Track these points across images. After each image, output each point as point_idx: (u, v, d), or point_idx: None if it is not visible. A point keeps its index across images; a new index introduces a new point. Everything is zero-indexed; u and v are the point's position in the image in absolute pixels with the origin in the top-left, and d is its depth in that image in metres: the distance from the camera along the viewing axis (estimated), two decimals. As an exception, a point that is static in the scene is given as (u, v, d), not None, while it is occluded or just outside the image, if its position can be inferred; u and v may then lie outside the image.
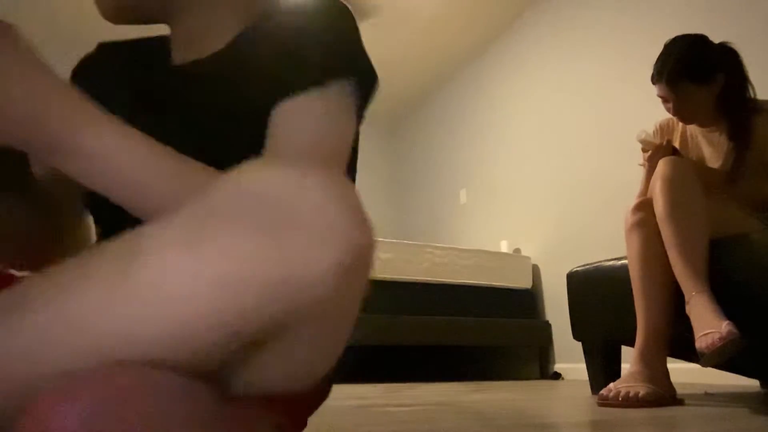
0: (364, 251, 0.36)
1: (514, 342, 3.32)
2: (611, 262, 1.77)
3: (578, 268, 1.90)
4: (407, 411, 1.30)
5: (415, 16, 3.79)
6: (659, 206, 1.46)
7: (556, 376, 3.24)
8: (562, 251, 3.30)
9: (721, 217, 1.48)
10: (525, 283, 3.43)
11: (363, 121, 0.60)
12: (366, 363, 3.04)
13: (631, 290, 1.52)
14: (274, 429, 0.46)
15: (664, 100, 1.65)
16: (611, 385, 1.43)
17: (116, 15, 0.60)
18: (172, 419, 0.31)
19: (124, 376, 0.31)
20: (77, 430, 0.28)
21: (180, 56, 0.63)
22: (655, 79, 1.64)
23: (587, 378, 1.85)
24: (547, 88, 3.56)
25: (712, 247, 1.42)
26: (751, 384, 2.07)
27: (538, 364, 3.33)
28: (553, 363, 3.33)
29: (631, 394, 1.36)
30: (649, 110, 2.14)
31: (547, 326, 3.36)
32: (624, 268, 1.60)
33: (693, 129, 1.73)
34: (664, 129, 1.79)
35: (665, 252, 1.44)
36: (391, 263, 3.06)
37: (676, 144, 1.73)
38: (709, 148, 1.69)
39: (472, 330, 3.15)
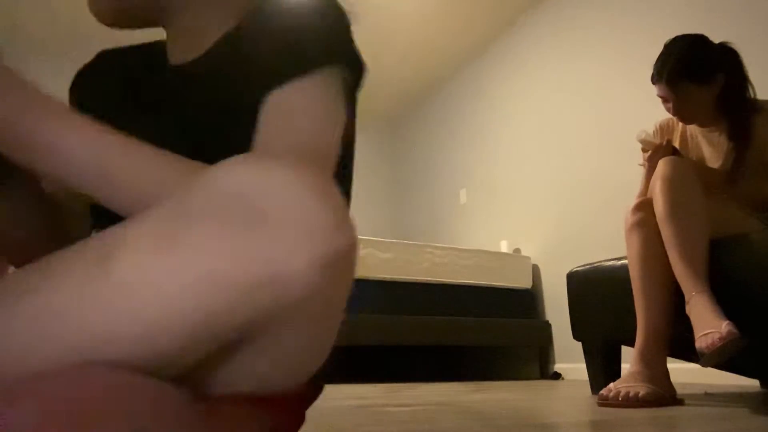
0: (344, 251, 0.35)
1: (514, 342, 3.32)
2: (611, 262, 1.77)
3: (578, 268, 1.90)
4: (407, 411, 1.30)
5: (416, 15, 3.78)
6: (659, 206, 1.46)
7: (556, 376, 3.24)
8: (562, 251, 3.30)
9: (721, 217, 1.48)
10: (525, 283, 3.43)
11: (355, 109, 0.60)
12: (366, 363, 3.04)
13: (631, 290, 1.52)
14: (266, 427, 0.46)
15: (664, 100, 1.65)
16: (611, 385, 1.43)
17: (112, 19, 0.60)
18: (134, 419, 0.31)
19: (80, 379, 0.31)
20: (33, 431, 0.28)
21: (176, 57, 0.63)
22: (655, 79, 1.64)
23: (587, 378, 1.85)
24: (547, 88, 3.57)
25: (712, 247, 1.42)
26: (751, 384, 2.07)
27: (538, 364, 3.33)
28: (553, 363, 3.33)
29: (631, 394, 1.36)
30: (649, 110, 2.14)
31: (547, 326, 3.36)
32: (624, 268, 1.60)
33: (693, 129, 1.73)
34: (664, 129, 1.79)
35: (665, 252, 1.44)
36: (391, 263, 3.06)
37: (676, 144, 1.73)
38: (709, 148, 1.69)
39: (472, 330, 3.15)
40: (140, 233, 0.34)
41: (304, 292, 0.34)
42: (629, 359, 1.48)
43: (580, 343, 1.87)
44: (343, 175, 0.60)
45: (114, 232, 0.35)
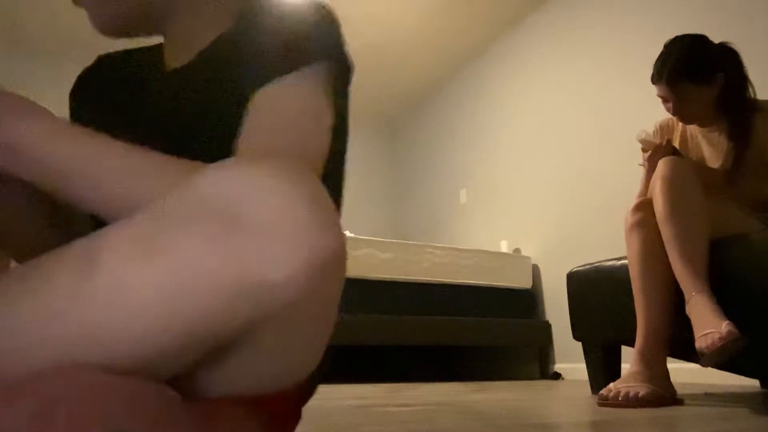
0: (330, 256, 0.35)
1: (514, 342, 3.32)
2: (611, 262, 1.77)
3: (578, 268, 1.90)
4: (407, 411, 1.30)
5: (416, 16, 3.78)
6: (659, 206, 1.46)
7: (556, 376, 3.24)
8: (562, 251, 3.30)
9: (721, 217, 1.48)
10: (525, 283, 3.43)
11: (346, 106, 0.60)
12: (366, 363, 3.04)
13: (631, 290, 1.52)
14: (263, 426, 0.46)
15: (664, 100, 1.65)
16: (611, 385, 1.43)
17: (110, 29, 0.62)
18: (120, 421, 0.31)
19: (64, 381, 0.31)
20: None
21: (172, 61, 0.64)
22: (655, 79, 1.64)
23: (587, 378, 1.85)
24: (547, 88, 3.57)
25: (712, 247, 1.42)
26: (751, 384, 2.07)
27: (538, 364, 3.33)
28: (553, 363, 3.33)
29: (631, 394, 1.36)
30: (649, 110, 2.14)
31: (547, 326, 3.36)
32: (624, 268, 1.60)
33: (693, 129, 1.73)
34: (664, 129, 1.79)
35: (665, 252, 1.44)
36: (391, 263, 3.06)
37: (676, 144, 1.73)
38: (709, 148, 1.69)
39: (472, 330, 3.15)
40: (124, 238, 0.34)
41: (290, 298, 0.34)
42: (629, 359, 1.48)
43: (580, 343, 1.87)
44: (334, 172, 0.60)
45: (97, 236, 0.35)
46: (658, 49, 1.66)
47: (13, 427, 0.28)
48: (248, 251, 0.32)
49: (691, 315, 1.33)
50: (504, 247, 3.69)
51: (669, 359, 1.48)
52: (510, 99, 3.90)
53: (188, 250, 0.32)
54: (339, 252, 0.36)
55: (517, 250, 3.62)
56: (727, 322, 1.24)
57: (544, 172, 3.52)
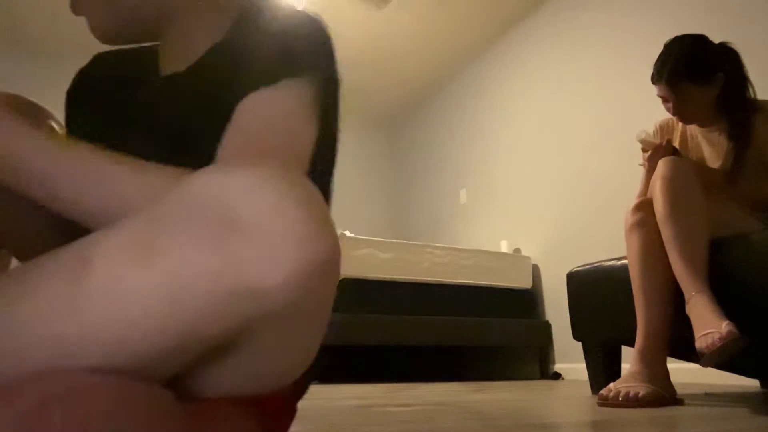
0: (324, 259, 0.35)
1: (514, 342, 3.32)
2: (611, 262, 1.77)
3: (578, 268, 1.90)
4: (407, 411, 1.30)
5: (415, 15, 3.78)
6: (659, 206, 1.46)
7: (556, 376, 3.24)
8: (562, 251, 3.30)
9: (721, 217, 1.48)
10: (525, 283, 3.43)
11: (335, 119, 0.60)
12: (366, 363, 3.04)
13: (631, 290, 1.52)
14: (259, 425, 0.46)
15: (664, 100, 1.65)
16: (611, 385, 1.43)
17: (108, 38, 0.63)
18: (115, 421, 0.31)
19: (60, 381, 0.31)
20: None
21: (168, 67, 0.65)
22: (655, 79, 1.64)
23: (587, 378, 1.85)
24: (547, 88, 3.57)
25: (712, 247, 1.42)
26: (751, 384, 2.07)
27: (538, 364, 3.33)
28: (553, 363, 3.33)
29: (631, 394, 1.36)
30: (649, 110, 2.14)
31: (547, 326, 3.36)
32: (624, 268, 1.60)
33: (693, 129, 1.73)
34: (664, 129, 1.79)
35: (665, 252, 1.44)
36: (391, 263, 3.06)
37: (676, 144, 1.73)
38: (709, 148, 1.69)
39: (472, 330, 3.15)
40: (117, 242, 0.34)
41: (284, 302, 0.34)
42: (629, 359, 1.48)
43: (580, 343, 1.87)
44: (320, 184, 0.60)
45: (91, 240, 0.35)
46: (658, 49, 1.66)
47: (10, 427, 0.28)
48: (244, 255, 0.32)
49: (691, 315, 1.33)
50: (504, 247, 3.69)
51: (669, 359, 1.48)
52: (510, 99, 3.90)
53: (184, 253, 0.32)
54: (334, 254, 0.36)
55: (517, 250, 3.62)
56: (727, 322, 1.24)
57: (544, 172, 3.52)
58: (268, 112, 0.50)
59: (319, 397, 1.71)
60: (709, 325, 1.26)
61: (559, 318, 3.27)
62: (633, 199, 1.61)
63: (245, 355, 0.39)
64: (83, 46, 0.64)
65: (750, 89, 1.64)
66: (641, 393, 1.36)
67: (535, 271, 3.52)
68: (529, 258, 3.51)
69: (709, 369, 1.43)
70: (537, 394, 1.94)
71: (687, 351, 1.40)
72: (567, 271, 1.95)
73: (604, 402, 1.39)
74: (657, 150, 1.60)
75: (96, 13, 0.61)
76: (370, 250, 3.02)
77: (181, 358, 0.36)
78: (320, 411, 1.26)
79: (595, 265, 1.84)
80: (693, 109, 1.64)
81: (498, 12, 3.77)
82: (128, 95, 0.65)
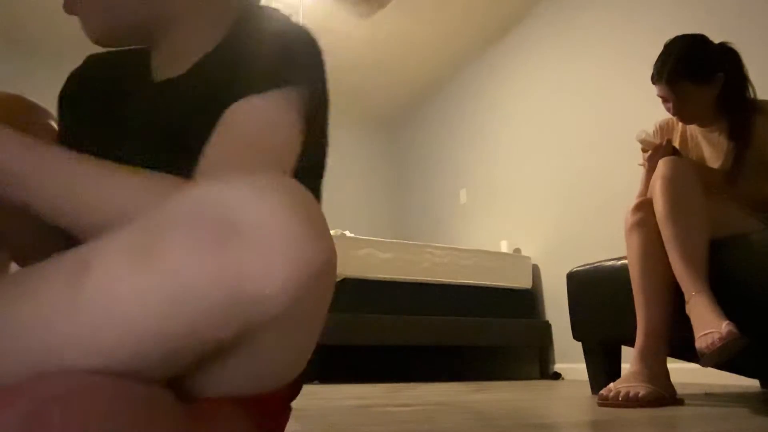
0: (321, 267, 0.35)
1: (514, 342, 3.32)
2: (611, 262, 1.77)
3: (578, 268, 1.90)
4: (407, 411, 1.30)
5: (415, 16, 3.79)
6: (659, 206, 1.46)
7: (556, 376, 3.24)
8: (562, 251, 3.30)
9: (721, 217, 1.48)
10: (525, 283, 3.43)
11: (323, 130, 0.61)
12: (366, 363, 3.04)
13: (631, 290, 1.52)
14: (256, 424, 0.47)
15: (664, 100, 1.65)
16: (611, 385, 1.43)
17: (102, 40, 0.62)
18: (115, 421, 0.31)
19: (64, 382, 0.31)
20: None
21: (160, 73, 0.65)
22: (655, 79, 1.64)
23: (587, 378, 1.85)
24: (547, 88, 3.57)
25: (712, 247, 1.42)
26: (751, 384, 2.07)
27: (538, 364, 3.33)
28: (553, 363, 3.33)
29: (631, 394, 1.36)
30: (649, 110, 2.14)
31: (547, 326, 3.36)
32: (624, 268, 1.60)
33: (693, 129, 1.73)
34: (664, 129, 1.79)
35: (665, 252, 1.44)
36: (391, 263, 3.06)
37: (676, 144, 1.73)
38: (709, 148, 1.69)
39: (472, 330, 3.15)
40: (117, 246, 0.34)
41: (283, 306, 0.34)
42: (629, 359, 1.48)
43: (580, 343, 1.87)
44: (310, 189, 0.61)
45: (94, 244, 0.35)
46: (658, 49, 1.66)
47: (10, 427, 0.28)
48: (243, 260, 0.33)
49: (691, 315, 1.33)
50: (504, 247, 3.69)
51: (669, 359, 1.48)
52: (510, 99, 3.90)
53: (183, 258, 0.33)
54: (330, 259, 0.37)
55: (517, 250, 3.62)
56: (727, 322, 1.24)
57: (544, 172, 3.52)
58: (254, 118, 0.51)
59: (319, 397, 1.71)
60: (709, 325, 1.26)
61: (559, 318, 3.27)
62: (633, 199, 1.61)
63: (244, 356, 0.39)
64: (83, 46, 0.64)
65: (750, 89, 1.64)
66: (641, 393, 1.36)
67: (535, 271, 3.52)
68: (529, 258, 3.51)
69: (709, 369, 1.42)
70: (537, 394, 1.94)
71: (687, 351, 1.40)
72: (567, 271, 1.95)
73: (604, 402, 1.39)
74: (657, 150, 1.60)
75: (91, 14, 0.61)
76: (370, 250, 3.02)
77: (180, 360, 0.36)
78: (320, 411, 1.27)
79: (595, 265, 1.84)
80: (693, 109, 1.64)
81: (498, 12, 3.77)
82: (122, 99, 0.65)
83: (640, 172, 1.74)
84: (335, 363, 2.73)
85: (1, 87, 0.69)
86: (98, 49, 0.73)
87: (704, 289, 1.34)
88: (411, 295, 3.08)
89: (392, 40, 4.06)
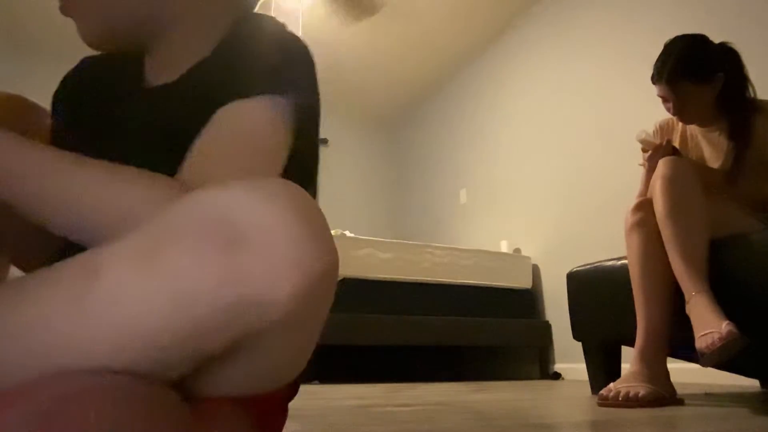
0: (324, 270, 0.36)
1: (514, 342, 3.32)
2: (611, 262, 1.77)
3: (578, 268, 1.90)
4: (407, 411, 1.30)
5: (416, 16, 3.79)
6: (659, 206, 1.46)
7: (556, 376, 3.24)
8: (562, 251, 3.30)
9: (721, 217, 1.48)
10: (525, 283, 3.43)
11: (313, 142, 0.61)
12: (366, 363, 3.04)
13: (631, 290, 1.52)
14: (255, 424, 0.47)
15: (664, 100, 1.65)
16: (611, 385, 1.43)
17: (96, 43, 0.62)
18: (125, 420, 0.31)
19: (72, 381, 0.32)
20: None
21: (153, 79, 0.65)
22: (655, 79, 1.64)
23: (587, 378, 1.85)
24: (547, 88, 3.57)
25: (712, 247, 1.42)
26: (751, 384, 2.07)
27: (538, 364, 3.33)
28: (553, 363, 3.33)
29: (631, 394, 1.36)
30: (649, 110, 2.14)
31: (547, 326, 3.36)
32: (624, 268, 1.60)
33: (693, 129, 1.73)
34: (664, 129, 1.79)
35: (665, 252, 1.44)
36: (391, 263, 3.06)
37: (676, 144, 1.73)
38: (709, 148, 1.69)
39: (472, 330, 3.15)
40: (124, 253, 0.35)
41: (287, 312, 0.35)
42: (629, 359, 1.48)
43: (580, 343, 1.87)
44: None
45: (100, 250, 0.36)
46: (658, 49, 1.66)
47: (18, 428, 0.28)
48: (248, 267, 0.33)
49: (691, 315, 1.33)
50: (504, 247, 3.69)
51: (669, 359, 1.48)
52: (510, 99, 3.90)
53: (188, 267, 0.33)
54: (333, 264, 0.37)
55: (517, 250, 3.62)
56: (727, 322, 1.24)
57: (544, 172, 3.52)
58: (242, 120, 0.52)
59: (319, 397, 1.71)
60: (709, 325, 1.26)
61: (559, 318, 3.27)
62: (633, 199, 1.61)
63: (246, 357, 0.40)
64: (83, 46, 0.63)
65: (750, 89, 1.64)
66: (641, 393, 1.36)
67: (535, 271, 3.52)
68: (529, 258, 3.51)
69: (709, 369, 1.42)
70: (537, 394, 1.94)
71: (687, 351, 1.40)
72: (567, 271, 1.95)
73: (604, 402, 1.39)
74: (657, 150, 1.60)
75: (86, 17, 0.61)
76: (370, 250, 3.02)
77: (184, 363, 0.36)
78: (320, 411, 1.27)
79: (595, 265, 1.84)
80: (693, 109, 1.64)
81: (498, 12, 3.77)
82: (116, 103, 0.65)
83: (640, 172, 1.74)
84: (335, 363, 2.73)
85: (1, 87, 0.69)
86: (95, 52, 0.73)
87: (704, 289, 1.34)
88: (411, 295, 3.08)
89: (393, 41, 4.06)
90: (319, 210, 0.38)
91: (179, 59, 0.61)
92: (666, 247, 1.44)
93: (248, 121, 0.52)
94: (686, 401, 1.44)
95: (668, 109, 1.66)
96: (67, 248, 0.44)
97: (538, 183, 3.57)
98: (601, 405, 1.40)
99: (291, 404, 0.62)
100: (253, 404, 0.46)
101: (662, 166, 1.48)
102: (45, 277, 0.36)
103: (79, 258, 0.36)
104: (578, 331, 1.87)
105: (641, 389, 1.37)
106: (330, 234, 0.38)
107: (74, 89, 0.70)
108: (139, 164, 0.47)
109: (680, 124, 1.75)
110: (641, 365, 1.43)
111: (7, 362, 0.33)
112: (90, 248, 0.43)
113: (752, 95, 1.64)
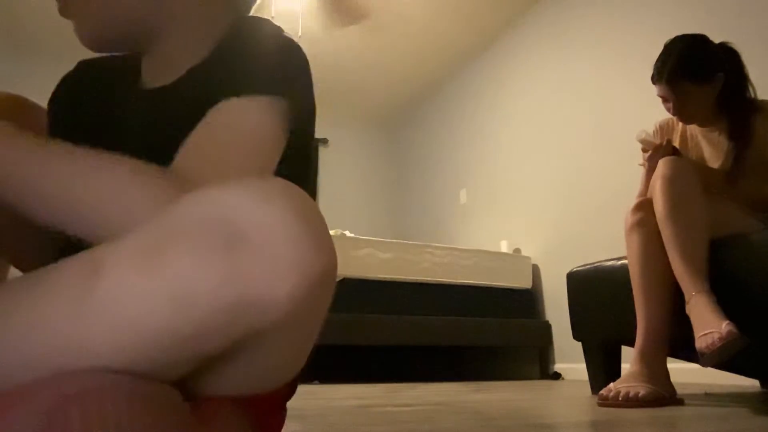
0: (326, 271, 0.36)
1: (514, 342, 3.32)
2: (611, 262, 1.77)
3: (578, 268, 1.90)
4: (407, 411, 1.30)
5: (416, 16, 3.79)
6: (659, 206, 1.46)
7: (556, 376, 3.24)
8: (562, 251, 3.30)
9: (721, 217, 1.48)
10: (525, 283, 3.43)
11: (308, 143, 0.61)
12: (366, 363, 3.04)
13: (631, 290, 1.52)
14: (254, 424, 0.48)
15: (664, 100, 1.65)
16: (611, 385, 1.43)
17: (94, 44, 0.63)
18: (127, 420, 0.32)
19: (72, 381, 0.32)
20: None
21: (150, 81, 0.65)
22: (655, 79, 1.64)
23: (587, 378, 1.85)
24: (547, 88, 3.57)
25: (712, 247, 1.42)
26: (751, 384, 2.07)
27: (538, 364, 3.33)
28: (553, 363, 3.33)
29: (631, 394, 1.36)
30: (649, 110, 2.14)
31: (547, 326, 3.36)
32: (624, 268, 1.60)
33: (693, 129, 1.73)
34: (664, 129, 1.79)
35: (665, 252, 1.44)
36: (391, 263, 3.06)
37: (676, 144, 1.73)
38: (709, 148, 1.69)
39: (472, 330, 3.15)
40: (126, 252, 0.35)
41: (287, 313, 0.35)
42: (629, 359, 1.48)
43: (580, 343, 1.87)
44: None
45: (101, 250, 0.36)
46: (658, 49, 1.66)
47: (31, 425, 0.28)
48: (249, 267, 0.33)
49: (691, 315, 1.33)
50: (504, 247, 3.69)
51: (669, 359, 1.48)
52: (510, 99, 3.90)
53: (188, 267, 0.33)
54: (333, 265, 0.37)
55: (517, 250, 3.62)
56: (727, 322, 1.24)
57: (544, 172, 3.52)
58: (236, 118, 0.52)
59: (319, 397, 1.71)
60: (709, 325, 1.26)
61: (559, 318, 3.27)
62: (633, 199, 1.62)
63: (245, 358, 0.40)
64: (82, 47, 0.63)
65: (750, 89, 1.64)
66: (641, 393, 1.36)
67: (535, 271, 3.52)
68: (529, 258, 3.51)
69: (709, 369, 1.42)
70: (537, 394, 1.94)
71: (687, 351, 1.40)
72: (567, 271, 1.95)
73: (604, 402, 1.39)
74: (657, 150, 1.60)
75: (84, 18, 0.61)
76: (370, 250, 3.02)
77: (185, 363, 0.37)
78: (320, 411, 1.27)
79: (595, 265, 1.84)
80: (693, 109, 1.64)
81: (498, 12, 3.77)
82: (113, 104, 0.65)
83: (640, 172, 1.74)
84: (335, 363, 2.73)
85: (1, 87, 0.69)
86: (94, 54, 0.73)
87: (704, 289, 1.34)
88: (411, 295, 3.08)
89: (393, 40, 4.06)
90: (318, 210, 0.38)
91: (177, 61, 0.61)
92: (666, 247, 1.44)
93: (242, 119, 0.52)
94: (686, 401, 1.44)
95: (668, 109, 1.66)
96: (67, 248, 0.44)
97: (538, 183, 3.57)
98: (601, 405, 1.40)
99: (291, 404, 0.62)
100: (253, 404, 0.46)
101: (662, 166, 1.48)
102: (45, 277, 0.36)
103: (79, 258, 0.36)
104: (578, 331, 1.87)
105: (641, 389, 1.37)
106: (329, 234, 0.38)
107: (71, 91, 0.69)
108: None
109: (680, 124, 1.75)
110: (641, 365, 1.43)
111: (8, 362, 0.33)
112: (82, 237, 0.43)
113: (752, 95, 1.64)
